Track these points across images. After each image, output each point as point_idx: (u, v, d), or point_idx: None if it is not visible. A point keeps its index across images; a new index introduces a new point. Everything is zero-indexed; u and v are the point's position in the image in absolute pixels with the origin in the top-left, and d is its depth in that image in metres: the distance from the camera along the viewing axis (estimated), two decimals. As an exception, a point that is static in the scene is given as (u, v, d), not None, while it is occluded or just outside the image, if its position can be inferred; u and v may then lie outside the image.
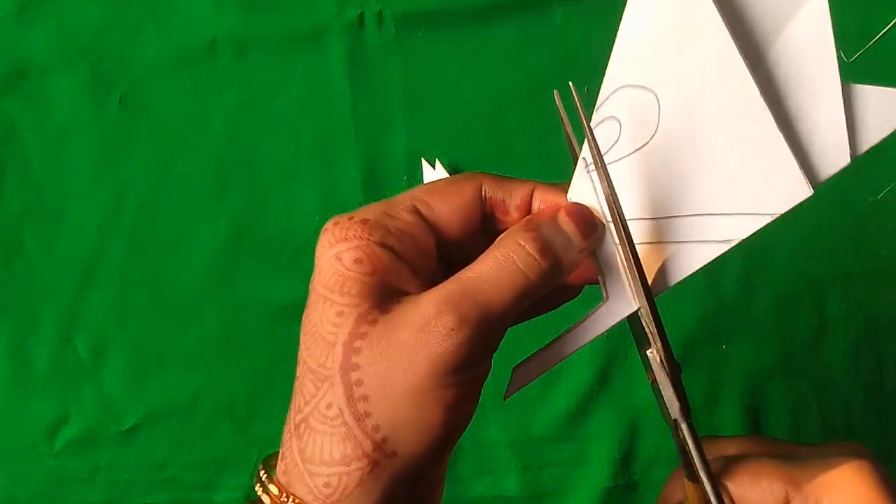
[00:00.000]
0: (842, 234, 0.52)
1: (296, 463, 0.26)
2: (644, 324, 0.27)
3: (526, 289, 0.25)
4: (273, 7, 0.52)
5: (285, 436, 0.27)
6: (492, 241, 0.28)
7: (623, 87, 0.27)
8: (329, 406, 0.25)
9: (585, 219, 0.27)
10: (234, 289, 0.54)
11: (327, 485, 0.25)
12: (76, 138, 0.55)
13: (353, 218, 0.27)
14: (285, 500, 0.26)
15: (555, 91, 0.28)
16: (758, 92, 0.25)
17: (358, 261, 0.26)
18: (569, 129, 0.29)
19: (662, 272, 0.27)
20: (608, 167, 0.27)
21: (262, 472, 0.27)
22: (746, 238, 0.26)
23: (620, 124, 0.27)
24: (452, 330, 0.24)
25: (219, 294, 0.54)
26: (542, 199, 0.28)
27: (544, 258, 0.26)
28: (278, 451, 0.28)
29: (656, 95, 0.26)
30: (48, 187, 0.55)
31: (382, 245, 0.26)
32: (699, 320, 0.52)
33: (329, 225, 0.27)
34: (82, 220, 0.55)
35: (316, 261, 0.27)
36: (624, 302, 0.27)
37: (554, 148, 0.52)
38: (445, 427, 0.25)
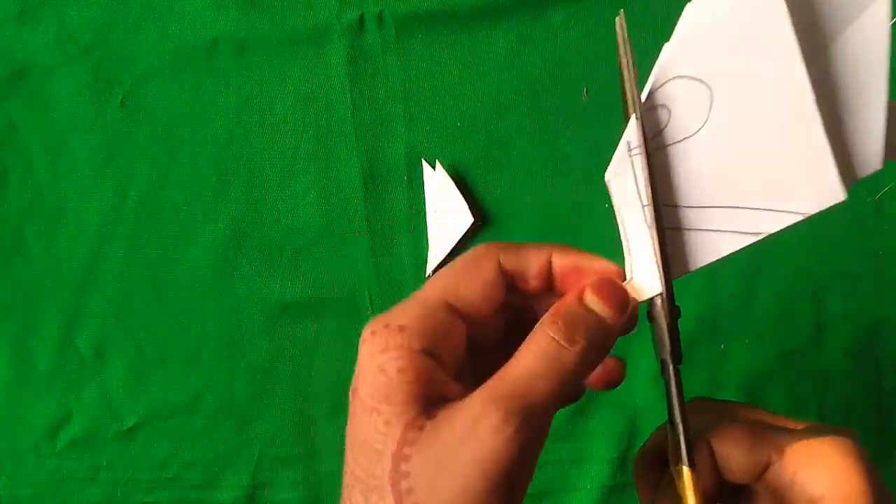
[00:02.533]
0: (842, 234, 0.52)
1: None
2: (657, 267, 0.28)
3: (564, 377, 0.26)
4: (273, 7, 0.52)
5: None
6: (512, 313, 0.29)
7: (678, 77, 0.27)
8: None
9: (614, 295, 0.27)
10: (234, 289, 0.54)
11: None
12: (77, 138, 0.55)
13: (388, 325, 0.26)
14: None
15: (618, 19, 0.28)
16: (812, 96, 0.25)
17: (401, 371, 0.25)
18: (628, 67, 0.29)
19: (686, 255, 0.28)
20: (653, 153, 0.28)
21: None
22: (774, 234, 0.27)
23: (670, 113, 0.27)
24: (499, 426, 0.24)
25: (219, 294, 0.55)
26: (561, 264, 0.29)
27: (574, 345, 0.26)
28: None
29: (711, 89, 0.27)
30: (49, 187, 0.55)
31: (423, 352, 0.26)
32: (699, 320, 0.52)
33: (367, 335, 0.27)
34: (82, 220, 0.55)
35: (358, 370, 0.27)
36: (648, 283, 0.28)
37: (553, 148, 0.52)
38: None
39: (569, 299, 0.27)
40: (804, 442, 0.28)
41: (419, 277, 0.53)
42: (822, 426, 0.29)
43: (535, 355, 0.26)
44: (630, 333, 0.29)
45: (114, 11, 0.53)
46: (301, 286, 0.54)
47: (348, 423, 0.27)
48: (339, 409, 0.55)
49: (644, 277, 0.28)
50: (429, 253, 0.53)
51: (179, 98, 0.54)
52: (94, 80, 0.54)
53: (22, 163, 0.55)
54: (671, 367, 0.28)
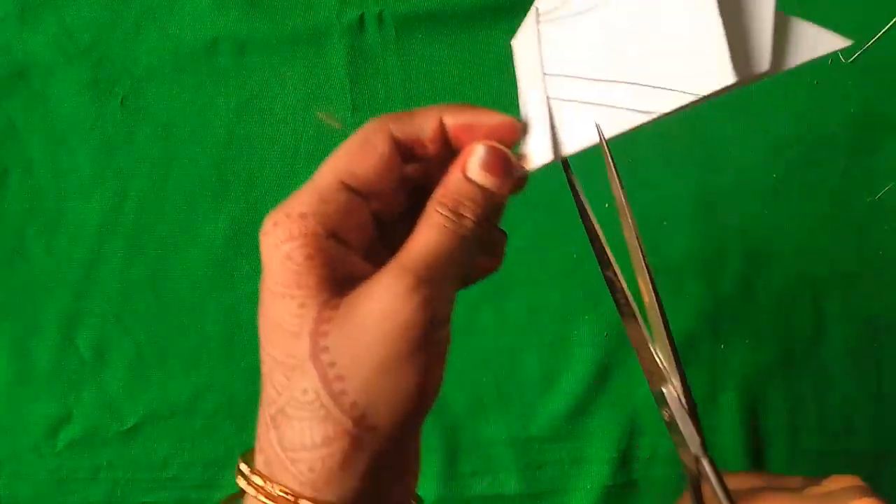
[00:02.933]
0: (841, 234, 0.52)
1: (276, 453, 0.26)
2: (659, 360, 0.28)
3: (463, 245, 0.27)
4: (273, 7, 0.52)
5: (260, 430, 0.27)
6: (417, 182, 0.29)
7: None
8: (305, 392, 0.26)
9: (498, 163, 0.28)
10: (234, 289, 0.54)
11: (311, 469, 0.25)
12: (77, 138, 0.55)
13: (290, 215, 0.27)
14: (271, 489, 0.26)
15: None
16: None
17: (308, 256, 0.26)
18: None
19: (578, 129, 0.29)
20: (557, 21, 0.29)
21: (242, 466, 0.28)
22: (666, 114, 0.27)
23: None
24: (412, 291, 0.25)
25: (219, 294, 0.55)
26: (453, 125, 0.29)
27: (463, 219, 0.27)
28: (254, 448, 0.28)
29: None
30: (49, 187, 0.55)
31: (327, 236, 0.27)
32: (699, 320, 0.52)
33: (268, 226, 0.27)
34: (82, 220, 0.55)
35: (264, 262, 0.27)
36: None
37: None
38: (419, 394, 0.26)
39: (453, 172, 0.28)
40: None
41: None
42: (840, 483, 0.30)
43: (431, 229, 0.27)
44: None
45: (114, 11, 0.53)
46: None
47: (259, 314, 0.27)
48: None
49: (536, 147, 0.29)
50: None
51: (179, 98, 0.54)
52: (94, 80, 0.54)
53: (22, 163, 0.55)
54: (705, 460, 0.28)
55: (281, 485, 0.26)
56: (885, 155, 0.51)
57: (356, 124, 0.53)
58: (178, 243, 0.55)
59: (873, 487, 0.53)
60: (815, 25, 0.28)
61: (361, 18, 0.52)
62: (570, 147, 0.29)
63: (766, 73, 0.27)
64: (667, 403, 0.28)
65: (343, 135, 0.53)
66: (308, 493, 0.26)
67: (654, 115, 0.27)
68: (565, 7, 0.29)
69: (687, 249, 0.52)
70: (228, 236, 0.54)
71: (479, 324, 0.53)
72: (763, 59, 0.26)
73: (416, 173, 0.30)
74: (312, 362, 0.25)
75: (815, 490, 0.31)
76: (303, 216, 0.27)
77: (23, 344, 0.56)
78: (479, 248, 0.29)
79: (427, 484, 0.53)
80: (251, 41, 0.53)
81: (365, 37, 0.52)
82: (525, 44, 0.29)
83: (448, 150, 0.29)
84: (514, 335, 0.53)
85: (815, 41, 0.28)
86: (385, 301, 0.25)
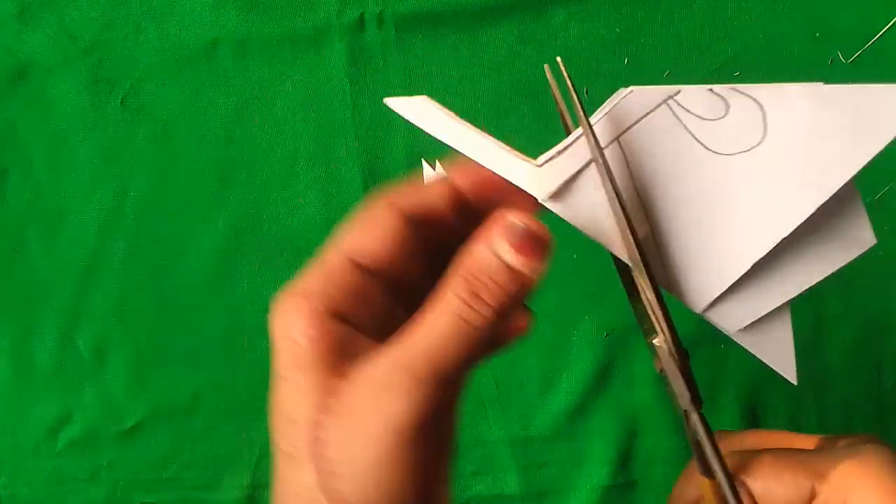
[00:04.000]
0: (841, 234, 0.52)
1: None
2: (650, 312, 0.27)
3: (476, 338, 0.24)
4: (273, 7, 0.52)
5: None
6: (439, 246, 0.27)
7: (732, 89, 0.27)
8: (306, 487, 0.24)
9: (529, 240, 0.25)
10: (234, 289, 0.54)
11: None
12: (77, 138, 0.55)
13: (296, 294, 0.26)
14: None
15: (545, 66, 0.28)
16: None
17: (310, 338, 0.25)
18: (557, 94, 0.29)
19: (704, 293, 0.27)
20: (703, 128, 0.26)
21: None
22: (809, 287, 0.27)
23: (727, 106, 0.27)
24: (407, 390, 0.23)
25: (219, 294, 0.55)
26: (467, 183, 0.28)
27: (485, 308, 0.24)
28: None
29: (762, 107, 0.26)
30: (49, 187, 0.55)
31: (331, 316, 0.25)
32: (699, 320, 0.52)
33: (276, 307, 0.26)
34: (82, 220, 0.55)
35: (272, 343, 0.26)
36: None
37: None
38: (416, 492, 0.24)
39: (477, 247, 0.25)
40: (846, 464, 0.27)
41: (419, 277, 0.53)
42: (852, 440, 0.29)
43: (441, 318, 0.24)
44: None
45: (114, 11, 0.53)
46: (301, 286, 0.54)
47: (271, 398, 0.26)
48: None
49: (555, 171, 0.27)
50: (429, 253, 0.53)
51: (179, 98, 0.54)
52: (94, 80, 0.54)
53: (22, 163, 0.55)
54: (695, 416, 0.27)
55: None
56: (885, 155, 0.51)
57: (356, 124, 0.53)
58: (178, 243, 0.55)
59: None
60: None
61: (361, 18, 0.52)
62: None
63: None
64: (658, 356, 0.27)
65: (343, 135, 0.53)
66: None
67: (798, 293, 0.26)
68: (722, 126, 0.26)
69: (687, 249, 0.52)
70: (228, 236, 0.54)
71: (479, 324, 0.53)
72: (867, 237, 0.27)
73: (440, 236, 0.28)
74: (310, 455, 0.24)
75: (821, 441, 0.30)
76: (307, 296, 0.26)
77: (23, 344, 0.56)
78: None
79: (427, 484, 0.53)
80: (251, 41, 0.53)
81: (365, 37, 0.52)
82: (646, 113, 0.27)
83: (469, 212, 0.27)
84: (514, 335, 0.53)
85: None
86: (378, 397, 0.24)
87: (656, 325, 0.27)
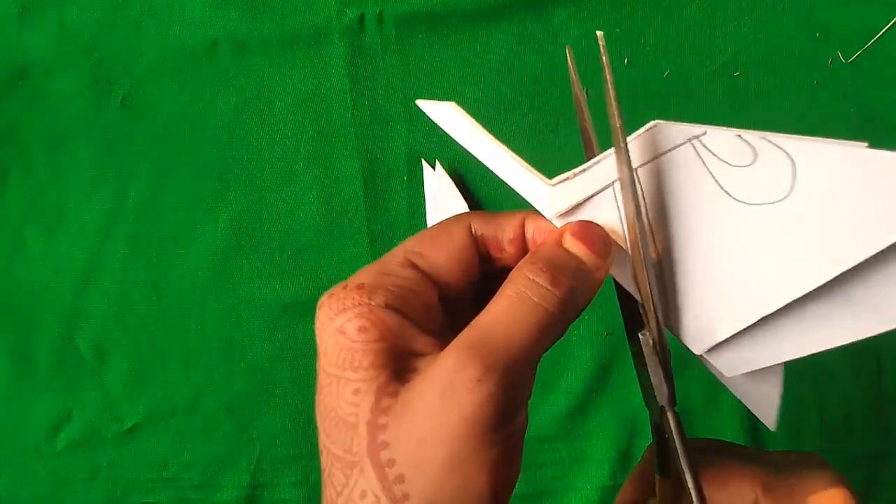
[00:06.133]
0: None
1: None
2: (644, 305, 0.27)
3: (547, 323, 0.24)
4: (273, 8, 0.52)
5: None
6: (491, 284, 0.26)
7: (763, 138, 0.26)
8: (364, 494, 0.23)
9: (596, 238, 0.25)
10: (234, 289, 0.54)
11: None
12: (77, 138, 0.55)
13: (347, 286, 0.25)
14: None
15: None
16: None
17: (363, 329, 0.24)
18: (586, 114, 0.28)
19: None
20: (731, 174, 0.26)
21: None
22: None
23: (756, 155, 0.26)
24: (479, 381, 0.22)
25: (219, 294, 0.55)
26: (536, 228, 0.27)
27: (557, 287, 0.24)
28: None
29: (793, 162, 0.25)
30: (49, 187, 0.55)
31: (385, 307, 0.24)
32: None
33: (324, 299, 0.25)
34: (82, 220, 0.55)
35: (318, 339, 0.25)
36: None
37: (553, 149, 0.52)
38: (491, 495, 0.23)
39: (549, 243, 0.25)
40: (788, 478, 0.27)
41: (419, 277, 0.53)
42: (797, 456, 0.29)
43: (513, 301, 0.24)
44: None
45: (114, 11, 0.53)
46: (301, 286, 0.54)
47: (316, 398, 0.25)
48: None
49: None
50: (429, 253, 0.53)
51: (179, 98, 0.54)
52: (94, 80, 0.54)
53: (22, 163, 0.55)
54: (670, 413, 0.27)
55: None
56: (886, 155, 0.51)
57: (356, 124, 0.53)
58: (178, 243, 0.55)
59: (873, 487, 0.53)
60: None
61: (361, 18, 0.52)
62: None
63: None
64: (640, 350, 0.27)
65: (343, 135, 0.53)
66: None
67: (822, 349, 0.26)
68: (748, 174, 0.25)
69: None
70: (228, 236, 0.54)
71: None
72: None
73: (491, 275, 0.28)
74: (370, 460, 0.23)
75: (768, 456, 0.30)
76: (360, 287, 0.24)
77: (23, 344, 0.56)
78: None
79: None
80: (251, 41, 0.53)
81: (365, 37, 0.52)
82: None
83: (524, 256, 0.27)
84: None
85: None
86: (447, 391, 0.22)
87: (646, 320, 0.27)
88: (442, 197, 0.52)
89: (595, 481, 0.53)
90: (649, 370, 0.27)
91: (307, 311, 0.54)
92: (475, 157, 0.29)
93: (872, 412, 0.52)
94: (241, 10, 0.52)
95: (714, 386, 0.53)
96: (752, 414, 0.54)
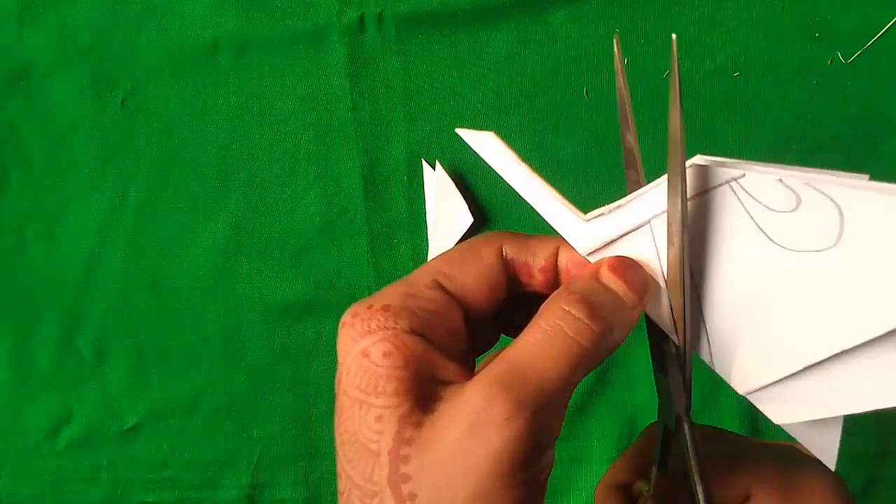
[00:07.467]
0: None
1: None
2: (675, 316, 0.26)
3: (581, 359, 0.23)
4: (273, 8, 0.52)
5: None
6: (518, 308, 0.26)
7: (809, 186, 0.24)
8: None
9: (634, 274, 0.25)
10: (234, 289, 0.54)
11: None
12: (77, 138, 0.55)
13: (372, 306, 0.24)
14: None
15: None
16: None
17: (387, 354, 0.23)
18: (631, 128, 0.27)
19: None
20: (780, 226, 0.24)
21: None
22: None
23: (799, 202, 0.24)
24: (508, 419, 0.21)
25: (219, 294, 0.55)
26: (570, 259, 0.26)
27: (595, 322, 0.23)
28: None
29: (841, 213, 0.24)
30: (49, 187, 0.55)
31: (411, 332, 0.23)
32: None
33: (347, 318, 0.24)
34: (83, 220, 0.55)
35: (340, 359, 0.24)
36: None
37: (554, 149, 0.52)
38: None
39: (586, 275, 0.24)
40: (784, 471, 0.27)
41: (419, 277, 0.53)
42: (788, 448, 0.29)
43: (547, 335, 0.23)
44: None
45: (114, 11, 0.53)
46: (301, 286, 0.54)
47: (336, 420, 0.24)
48: (339, 409, 0.55)
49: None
50: (429, 253, 0.53)
51: (179, 98, 0.54)
52: (94, 80, 0.54)
53: (22, 163, 0.55)
54: (686, 424, 0.27)
55: None
56: (885, 155, 0.51)
57: (356, 124, 0.53)
58: (178, 243, 0.55)
59: (873, 487, 0.53)
60: None
61: (361, 18, 0.52)
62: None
63: None
64: (664, 357, 0.27)
65: (343, 135, 0.53)
66: None
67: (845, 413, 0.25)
68: (791, 220, 0.24)
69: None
70: (228, 236, 0.54)
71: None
72: None
73: (518, 301, 0.27)
74: (391, 491, 0.22)
75: (757, 447, 0.30)
76: (385, 308, 0.24)
77: (23, 344, 0.56)
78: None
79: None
80: (251, 41, 0.53)
81: (365, 37, 0.52)
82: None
83: (554, 287, 0.26)
84: (514, 335, 0.53)
85: None
86: (474, 426, 0.21)
87: (676, 328, 0.26)
88: (442, 197, 0.52)
89: (595, 481, 0.53)
90: (670, 378, 0.27)
91: (307, 311, 0.54)
92: (486, 163, 0.28)
93: (872, 412, 0.52)
94: (241, 10, 0.52)
95: (715, 385, 0.53)
96: (752, 414, 0.54)
